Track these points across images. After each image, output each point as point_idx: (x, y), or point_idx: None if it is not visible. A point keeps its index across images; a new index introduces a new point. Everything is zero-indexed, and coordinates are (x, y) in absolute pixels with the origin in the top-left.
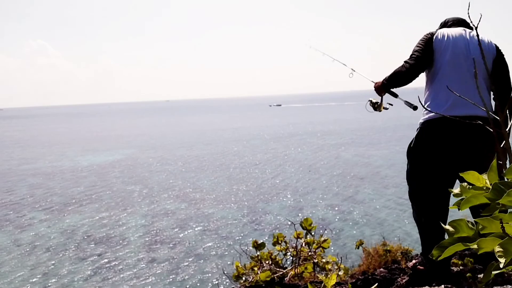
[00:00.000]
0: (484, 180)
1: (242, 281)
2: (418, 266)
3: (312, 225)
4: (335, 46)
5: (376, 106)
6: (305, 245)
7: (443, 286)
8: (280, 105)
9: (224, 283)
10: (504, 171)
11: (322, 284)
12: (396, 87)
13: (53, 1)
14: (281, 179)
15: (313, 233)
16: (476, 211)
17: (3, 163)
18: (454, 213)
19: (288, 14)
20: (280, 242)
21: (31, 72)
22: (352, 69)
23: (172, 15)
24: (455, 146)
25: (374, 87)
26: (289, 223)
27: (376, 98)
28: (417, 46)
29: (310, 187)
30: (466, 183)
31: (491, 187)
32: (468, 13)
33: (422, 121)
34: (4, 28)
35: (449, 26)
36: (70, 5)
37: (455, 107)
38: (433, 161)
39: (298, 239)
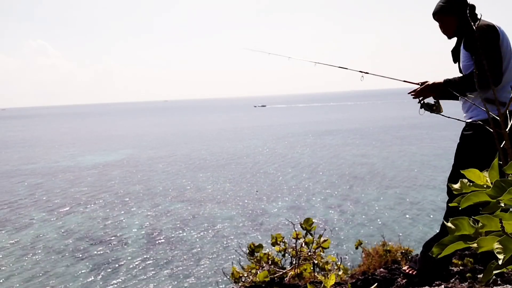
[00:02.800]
0: (485, 177)
1: (242, 282)
2: (408, 270)
3: (312, 225)
4: (335, 47)
5: (435, 107)
6: (304, 245)
7: (443, 286)
8: (264, 106)
9: (224, 283)
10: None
11: (322, 284)
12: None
13: (52, 1)
14: (281, 179)
15: (312, 233)
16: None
17: (3, 163)
18: None
19: (288, 15)
20: (278, 242)
21: (31, 72)
22: (288, 57)
23: (172, 16)
24: None
25: (429, 85)
26: (289, 223)
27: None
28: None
29: (310, 187)
30: (466, 180)
31: (492, 185)
32: (468, 13)
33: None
34: (4, 28)
35: (473, 11)
36: (70, 5)
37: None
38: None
39: (298, 240)
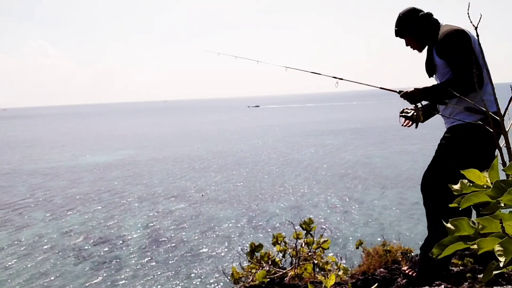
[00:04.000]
0: (485, 178)
1: (242, 282)
2: (408, 271)
3: (312, 225)
4: (335, 47)
5: (414, 116)
6: (304, 245)
7: (443, 286)
8: (258, 106)
9: (224, 283)
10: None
11: (322, 285)
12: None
13: (52, 1)
14: (281, 179)
15: (312, 233)
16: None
17: (5, 163)
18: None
19: (288, 15)
20: (279, 242)
21: (31, 72)
22: (257, 61)
23: (171, 16)
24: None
25: (408, 93)
26: (289, 223)
27: (408, 108)
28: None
29: (311, 186)
30: (466, 180)
31: (492, 185)
32: (468, 13)
33: (476, 119)
34: (4, 28)
35: (431, 19)
36: (70, 5)
37: (491, 103)
38: (484, 156)
39: (298, 240)
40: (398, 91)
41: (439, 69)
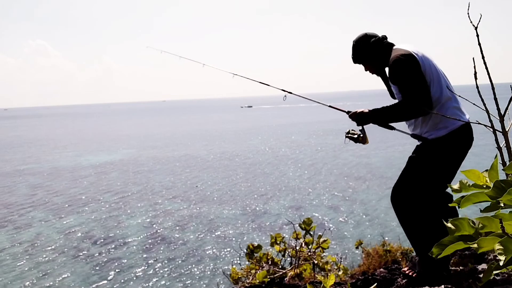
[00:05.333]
0: (484, 178)
1: (241, 282)
2: (408, 271)
3: (311, 225)
4: (335, 46)
5: (360, 138)
6: (304, 245)
7: (443, 286)
8: (251, 107)
9: (224, 283)
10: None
11: (322, 285)
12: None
13: (52, 1)
14: (281, 179)
15: (312, 233)
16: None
17: (6, 163)
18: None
19: (288, 15)
20: (278, 242)
21: (31, 72)
22: (203, 64)
23: (172, 16)
24: (468, 148)
25: (356, 114)
26: (289, 223)
27: (353, 128)
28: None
29: (310, 186)
30: (465, 180)
31: (491, 185)
32: (468, 13)
33: (445, 133)
34: (3, 28)
35: (383, 44)
36: (69, 5)
37: (460, 113)
38: (455, 166)
39: (297, 240)
40: (346, 111)
41: (396, 93)
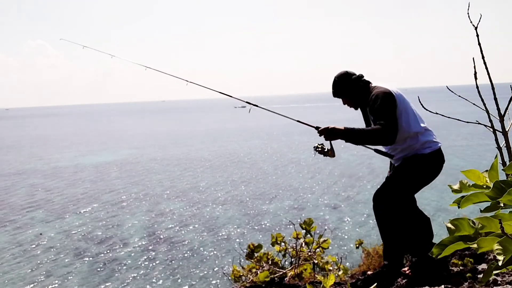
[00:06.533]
0: (484, 178)
1: (241, 282)
2: (408, 271)
3: (311, 225)
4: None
5: (329, 152)
6: (304, 245)
7: (443, 286)
8: (244, 107)
9: (224, 283)
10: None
11: (321, 285)
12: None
13: (52, 1)
14: (281, 179)
15: (312, 233)
16: None
17: (7, 163)
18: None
19: (289, 15)
20: (279, 242)
21: (31, 72)
22: (187, 81)
23: (172, 17)
24: (440, 169)
25: (328, 130)
26: (289, 223)
27: (321, 143)
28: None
29: (310, 187)
30: (465, 180)
31: (491, 185)
32: (468, 13)
33: (430, 151)
34: (3, 28)
35: (360, 82)
36: (69, 5)
37: (436, 139)
38: (428, 180)
39: (298, 240)
40: (315, 126)
41: (372, 123)
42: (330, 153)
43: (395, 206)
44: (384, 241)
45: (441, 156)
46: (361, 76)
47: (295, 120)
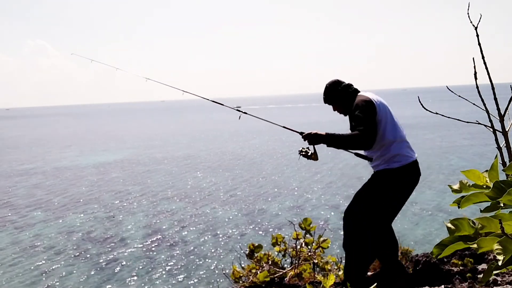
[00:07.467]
0: (484, 178)
1: (241, 282)
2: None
3: (311, 225)
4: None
5: (312, 155)
6: (304, 245)
7: (443, 286)
8: (239, 107)
9: (224, 283)
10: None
11: (322, 285)
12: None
13: (52, 1)
14: (281, 179)
15: (312, 233)
16: None
17: (8, 163)
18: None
19: (289, 15)
20: (279, 243)
21: (31, 72)
22: (146, 78)
23: (171, 17)
24: (415, 183)
25: (311, 135)
26: (289, 223)
27: (305, 146)
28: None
29: (310, 187)
30: (465, 180)
31: (491, 186)
32: (468, 13)
33: (398, 165)
34: (3, 28)
35: (349, 90)
36: (68, 4)
37: (413, 152)
38: (403, 199)
39: (298, 240)
40: (299, 132)
41: (352, 130)
42: (314, 156)
43: (363, 224)
44: (346, 257)
45: (412, 171)
46: (350, 85)
47: (281, 126)
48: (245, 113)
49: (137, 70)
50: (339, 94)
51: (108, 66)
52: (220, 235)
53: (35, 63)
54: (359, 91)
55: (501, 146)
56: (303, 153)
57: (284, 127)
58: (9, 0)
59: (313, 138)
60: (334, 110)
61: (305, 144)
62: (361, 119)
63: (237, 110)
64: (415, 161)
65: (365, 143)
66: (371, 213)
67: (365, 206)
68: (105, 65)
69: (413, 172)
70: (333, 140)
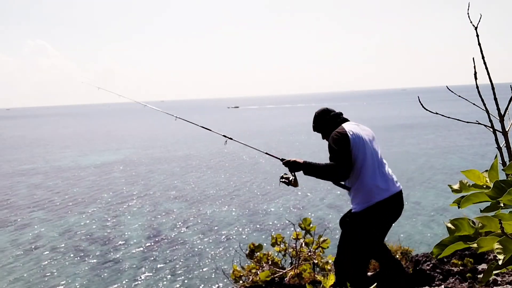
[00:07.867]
0: (484, 178)
1: (241, 282)
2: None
3: (311, 225)
4: (337, 47)
5: (292, 182)
6: (304, 245)
7: (443, 286)
8: (237, 107)
9: (224, 283)
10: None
11: (321, 285)
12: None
13: (52, 1)
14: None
15: (312, 233)
16: None
17: (9, 163)
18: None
19: (289, 15)
20: (279, 243)
21: (31, 72)
22: (118, 95)
23: (171, 16)
24: (397, 216)
25: (290, 162)
26: (290, 223)
27: (287, 174)
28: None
29: (310, 187)
30: (465, 180)
31: (491, 185)
32: (468, 13)
33: (375, 201)
34: (3, 28)
35: (337, 119)
36: (68, 4)
37: (392, 185)
38: (385, 230)
39: (298, 240)
40: (281, 158)
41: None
42: (294, 183)
43: (356, 265)
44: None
45: (391, 205)
46: (339, 114)
47: (263, 152)
48: (230, 138)
49: (137, 70)
50: (326, 123)
51: (111, 92)
52: (220, 235)
53: (35, 63)
54: (347, 121)
55: (501, 146)
56: (283, 179)
57: (266, 153)
58: (9, 0)
59: (291, 165)
60: (323, 138)
61: (287, 169)
62: (335, 152)
63: (223, 136)
64: (396, 194)
65: (340, 174)
66: (360, 253)
67: (352, 251)
68: (111, 92)
69: (392, 206)
70: (309, 169)
